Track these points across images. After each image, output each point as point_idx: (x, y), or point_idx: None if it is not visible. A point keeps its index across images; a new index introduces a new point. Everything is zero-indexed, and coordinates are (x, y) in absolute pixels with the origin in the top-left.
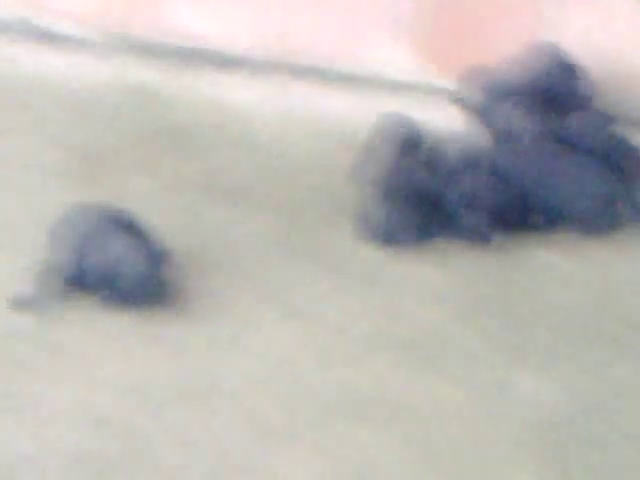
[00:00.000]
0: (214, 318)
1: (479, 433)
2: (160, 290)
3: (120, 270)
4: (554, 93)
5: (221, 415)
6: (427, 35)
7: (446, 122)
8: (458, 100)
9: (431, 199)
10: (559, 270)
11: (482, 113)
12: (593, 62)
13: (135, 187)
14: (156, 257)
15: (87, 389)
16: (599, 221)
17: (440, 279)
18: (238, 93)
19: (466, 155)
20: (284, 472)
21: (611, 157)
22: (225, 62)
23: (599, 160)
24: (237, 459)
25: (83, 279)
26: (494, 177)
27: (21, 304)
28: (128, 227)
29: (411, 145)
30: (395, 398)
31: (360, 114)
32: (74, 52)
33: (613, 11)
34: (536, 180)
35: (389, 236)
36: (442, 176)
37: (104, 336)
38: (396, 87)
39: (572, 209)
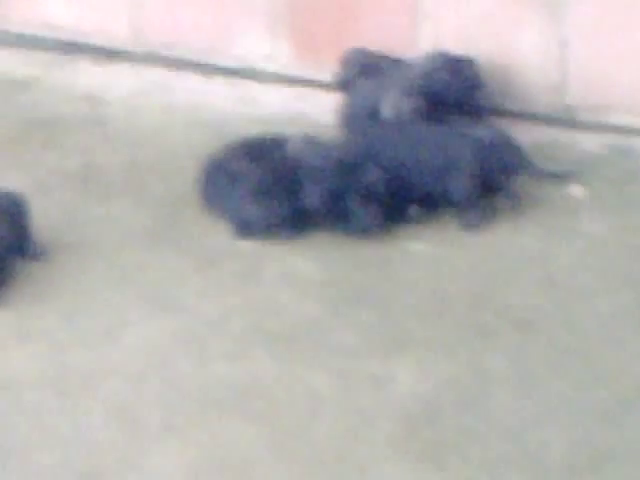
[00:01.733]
0: (89, 314)
1: (355, 427)
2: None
3: None
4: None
5: (94, 412)
6: (304, 30)
7: (322, 113)
8: (336, 79)
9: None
10: (435, 261)
11: (357, 93)
12: (468, 55)
13: (10, 183)
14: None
15: None
16: (475, 209)
17: (316, 272)
18: (117, 87)
19: (345, 150)
20: (156, 468)
21: (493, 149)
22: (104, 55)
23: (479, 150)
24: (110, 457)
25: None
26: (380, 170)
27: None
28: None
29: (279, 143)
30: (270, 392)
31: (239, 106)
32: None
33: (489, 7)
34: (414, 165)
35: (263, 230)
36: (315, 171)
37: None
38: (274, 79)
39: (448, 195)
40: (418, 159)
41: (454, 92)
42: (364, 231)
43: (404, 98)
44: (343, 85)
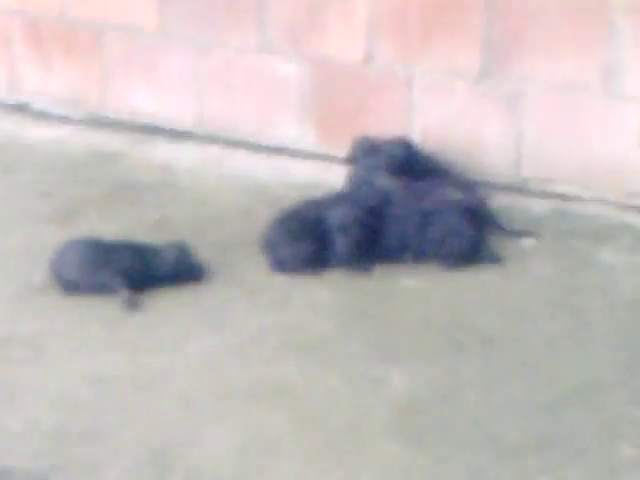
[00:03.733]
0: (161, 328)
1: (359, 414)
2: None
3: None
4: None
5: (164, 401)
6: (326, 119)
7: (338, 180)
8: (346, 157)
9: (323, 241)
10: (422, 293)
11: (361, 171)
12: (448, 140)
13: (101, 230)
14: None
15: (64, 380)
16: (461, 259)
17: (332, 300)
18: (185, 160)
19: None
20: (212, 443)
21: (473, 212)
22: (175, 135)
23: (464, 214)
24: (177, 434)
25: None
26: (366, 214)
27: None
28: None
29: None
30: (296, 389)
31: (275, 176)
32: (59, 126)
33: (462, 104)
34: (413, 225)
35: (293, 268)
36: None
37: (78, 341)
38: (303, 156)
39: (440, 250)
40: (419, 227)
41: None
42: (352, 268)
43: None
44: (351, 162)
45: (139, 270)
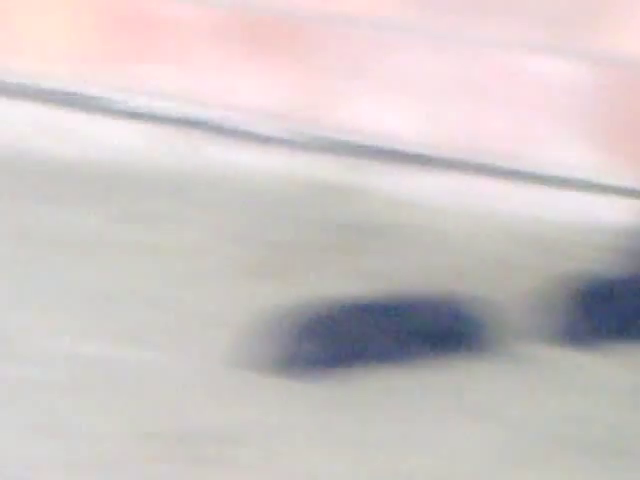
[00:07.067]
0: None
1: None
2: None
3: None
4: None
5: None
6: (607, 133)
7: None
8: None
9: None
10: None
11: None
12: None
13: (320, 288)
14: None
15: None
16: None
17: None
18: (425, 193)
19: None
20: None
21: None
22: (409, 160)
23: None
24: None
25: None
26: None
27: None
28: None
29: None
30: None
31: (545, 214)
32: (261, 149)
33: None
34: None
35: (578, 338)
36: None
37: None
38: (577, 186)
39: None
40: None
41: None
42: None
43: None
44: None
45: None
